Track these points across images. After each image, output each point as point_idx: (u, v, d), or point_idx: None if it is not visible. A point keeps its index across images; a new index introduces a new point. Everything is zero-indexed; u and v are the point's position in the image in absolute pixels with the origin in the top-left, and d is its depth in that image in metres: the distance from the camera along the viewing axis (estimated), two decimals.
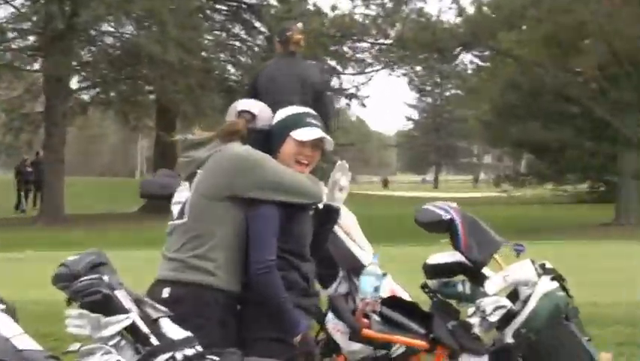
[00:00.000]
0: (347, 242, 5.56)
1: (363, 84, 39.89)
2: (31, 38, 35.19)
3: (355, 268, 5.51)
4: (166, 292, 4.62)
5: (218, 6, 38.04)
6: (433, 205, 5.66)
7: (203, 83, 33.83)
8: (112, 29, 35.68)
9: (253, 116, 4.91)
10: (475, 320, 5.34)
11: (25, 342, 4.11)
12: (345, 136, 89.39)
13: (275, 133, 4.85)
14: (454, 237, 5.52)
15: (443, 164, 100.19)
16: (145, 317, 4.19)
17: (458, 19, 32.86)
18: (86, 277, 4.15)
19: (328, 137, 4.83)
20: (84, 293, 4.11)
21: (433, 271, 5.67)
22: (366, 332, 5.14)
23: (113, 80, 35.44)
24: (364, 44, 36.30)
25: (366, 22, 32.70)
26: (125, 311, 4.12)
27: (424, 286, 5.67)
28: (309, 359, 4.62)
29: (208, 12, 37.75)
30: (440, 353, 5.27)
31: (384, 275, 5.26)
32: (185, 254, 4.64)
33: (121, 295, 4.17)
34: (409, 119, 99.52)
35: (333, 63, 37.26)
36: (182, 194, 4.76)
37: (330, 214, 4.97)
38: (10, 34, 34.14)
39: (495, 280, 5.48)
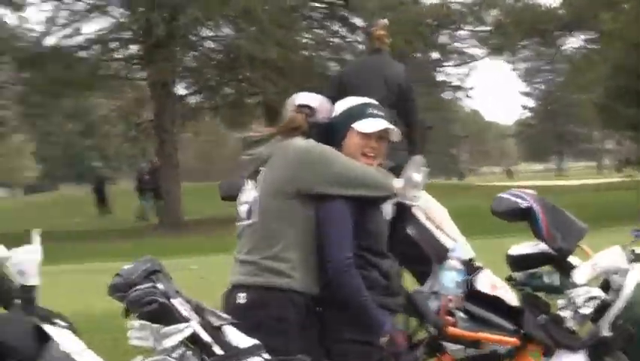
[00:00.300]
0: (440, 237, 5.32)
1: (466, 75, 39.64)
2: (134, 47, 35.70)
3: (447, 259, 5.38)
4: (242, 298, 4.52)
5: (314, 4, 37.85)
6: (510, 193, 5.38)
7: (304, 82, 32.74)
8: (211, 33, 35.83)
9: (312, 109, 4.77)
10: (567, 313, 5.12)
11: (86, 357, 4.09)
12: (463, 128, 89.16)
13: (337, 126, 4.71)
14: (534, 226, 5.23)
15: (564, 151, 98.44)
16: (207, 325, 4.12)
17: (557, 1, 32.24)
18: (140, 286, 4.09)
19: (393, 127, 4.68)
20: (140, 303, 4.06)
21: (516, 262, 5.45)
22: (451, 330, 4.97)
23: (217, 84, 36.04)
24: (462, 32, 35.72)
25: (463, 9, 32.25)
26: (185, 320, 4.06)
27: (509, 279, 5.42)
28: None
29: (305, 11, 37.66)
30: (532, 348, 5.10)
31: (478, 269, 5.14)
32: (258, 256, 4.52)
33: (178, 303, 4.10)
34: (525, 107, 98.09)
35: (435, 55, 36.97)
36: (249, 193, 4.65)
37: (403, 213, 4.90)
38: (112, 45, 34.78)
39: (583, 270, 5.20)
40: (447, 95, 41.53)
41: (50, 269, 16.04)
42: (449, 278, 4.88)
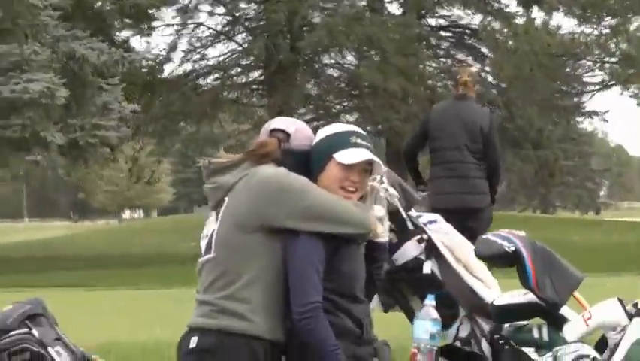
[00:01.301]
0: (466, 277, 4.98)
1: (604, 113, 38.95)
2: (254, 73, 36.37)
3: (478, 306, 5.00)
4: (193, 342, 4.15)
5: (443, 33, 37.87)
6: (494, 235, 4.86)
7: (427, 111, 32.35)
8: (333, 61, 36.41)
9: (287, 135, 4.39)
10: None
11: None
12: (605, 162, 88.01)
13: (316, 155, 4.35)
14: (521, 272, 4.73)
15: None
16: None
17: None
18: (14, 332, 3.90)
19: (377, 159, 4.34)
20: (10, 352, 3.86)
21: (501, 313, 4.89)
22: None
23: (337, 112, 36.10)
24: (587, 63, 35.23)
25: (589, 40, 31.46)
26: None
27: (492, 332, 4.97)
28: None
29: (432, 40, 37.59)
30: None
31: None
32: (214, 295, 4.16)
33: (55, 352, 3.91)
34: None
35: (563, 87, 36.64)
36: (210, 226, 4.31)
37: (376, 252, 4.46)
38: (232, 71, 35.41)
39: (575, 324, 4.73)
40: (586, 125, 41.51)
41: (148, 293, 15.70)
42: (422, 328, 4.40)
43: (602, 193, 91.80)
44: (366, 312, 4.37)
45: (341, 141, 4.31)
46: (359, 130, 4.43)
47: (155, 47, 38.95)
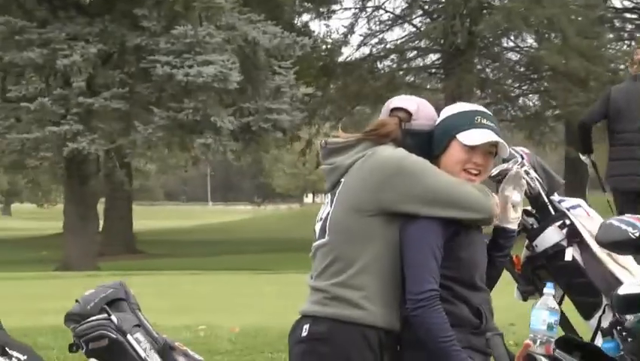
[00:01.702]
0: (609, 264, 4.86)
1: None
2: (432, 57, 36.86)
3: None
4: (305, 330, 4.13)
5: (628, 15, 37.41)
6: (618, 220, 4.74)
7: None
8: (512, 44, 36.30)
9: (409, 114, 4.25)
10: None
11: None
12: None
13: (438, 135, 4.23)
14: None
15: None
16: None
17: None
18: (93, 318, 3.90)
19: (503, 141, 4.21)
20: (88, 338, 3.87)
21: (624, 303, 4.70)
22: None
23: (516, 96, 36.28)
24: None
25: None
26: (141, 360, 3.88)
27: (614, 324, 4.82)
28: None
29: (616, 22, 37.20)
30: None
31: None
32: (327, 281, 4.11)
33: (135, 340, 3.89)
34: None
35: None
36: (325, 209, 4.24)
37: (503, 239, 4.32)
38: (409, 54, 35.94)
39: None
40: None
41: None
42: (539, 318, 4.18)
43: None
44: (486, 300, 4.25)
45: (465, 121, 4.21)
46: (484, 110, 4.34)
47: (334, 30, 39.75)
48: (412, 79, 36.85)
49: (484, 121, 4.22)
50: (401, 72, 36.69)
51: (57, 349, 8.37)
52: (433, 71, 37.06)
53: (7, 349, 4.20)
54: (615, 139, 9.54)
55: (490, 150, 4.21)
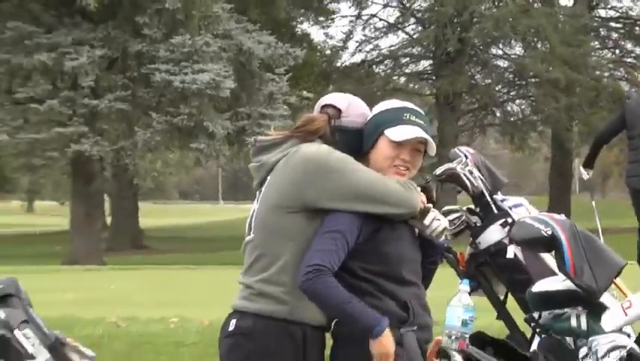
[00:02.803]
0: (548, 259, 4.95)
1: None
2: (424, 63, 37.75)
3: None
4: (232, 325, 4.05)
5: (613, 24, 38.19)
6: (532, 218, 4.73)
7: (592, 101, 33.86)
8: (501, 52, 37.19)
9: (339, 111, 4.12)
10: None
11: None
12: None
13: (367, 131, 4.10)
14: (558, 258, 4.57)
15: None
16: None
17: None
18: None
19: (430, 139, 4.10)
20: None
21: (538, 300, 4.73)
22: None
23: (503, 102, 37.33)
24: None
25: None
26: (29, 357, 3.74)
27: (529, 320, 4.82)
28: None
29: (602, 31, 38.10)
30: None
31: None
32: (253, 278, 4.01)
33: (23, 336, 3.76)
34: None
35: None
36: (253, 205, 4.14)
37: (428, 250, 4.18)
38: (403, 60, 36.81)
39: (614, 313, 4.53)
40: None
41: None
42: (454, 315, 4.10)
43: None
44: (417, 295, 4.09)
45: (393, 117, 4.09)
46: (414, 107, 4.21)
47: (332, 36, 40.78)
48: (406, 83, 37.59)
49: (413, 118, 4.08)
50: (395, 77, 37.45)
51: None
52: (426, 76, 37.84)
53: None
54: (631, 145, 10.01)
55: (419, 148, 4.07)
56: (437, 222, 4.03)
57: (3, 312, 3.73)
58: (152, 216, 55.65)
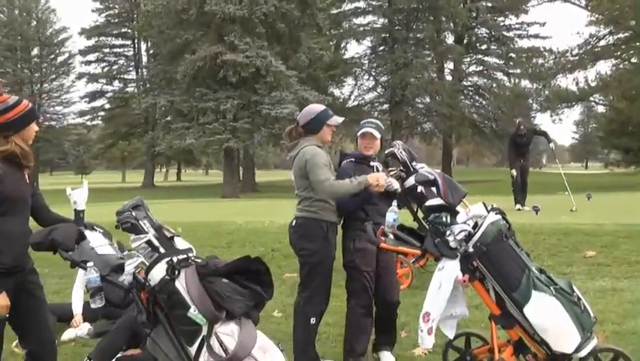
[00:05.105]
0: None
1: None
2: (385, 105, 56.88)
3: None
4: (293, 222, 6.69)
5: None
6: (425, 170, 6.14)
7: (461, 124, 53.50)
8: (420, 100, 56.38)
9: (297, 120, 6.87)
10: (450, 238, 5.86)
11: (104, 249, 5.57)
12: None
13: (315, 123, 6.81)
14: (437, 190, 5.93)
15: None
16: (162, 237, 5.07)
17: None
18: (124, 213, 5.07)
19: (340, 120, 6.93)
20: (121, 222, 5.08)
21: (428, 209, 6.04)
22: (382, 245, 5.99)
23: (420, 123, 56.32)
24: None
25: None
26: (145, 232, 5.02)
27: (424, 219, 6.11)
28: None
29: (470, 91, 58.10)
30: (428, 256, 6.03)
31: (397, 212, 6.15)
32: (300, 204, 6.83)
33: (142, 223, 5.03)
34: None
35: None
36: (291, 174, 6.88)
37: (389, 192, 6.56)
38: (376, 103, 56.26)
39: (462, 215, 5.92)
40: None
41: None
42: (390, 216, 5.99)
43: None
44: (377, 209, 6.66)
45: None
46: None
47: (344, 93, 61.09)
48: (376, 115, 56.11)
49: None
50: (372, 112, 57.17)
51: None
52: (385, 112, 56.69)
53: (93, 226, 5.76)
54: None
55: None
56: (391, 184, 6.27)
57: (135, 212, 4.98)
58: (261, 176, 70.49)
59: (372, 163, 7.18)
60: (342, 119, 7.03)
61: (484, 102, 59.73)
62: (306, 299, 6.96)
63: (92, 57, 77.38)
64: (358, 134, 7.14)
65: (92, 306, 5.18)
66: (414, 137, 61.21)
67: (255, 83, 45.51)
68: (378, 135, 7.10)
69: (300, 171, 6.82)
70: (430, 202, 6.09)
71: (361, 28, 58.32)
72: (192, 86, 46.22)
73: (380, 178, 6.53)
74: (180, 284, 4.86)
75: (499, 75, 60.25)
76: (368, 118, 7.61)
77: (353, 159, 7.19)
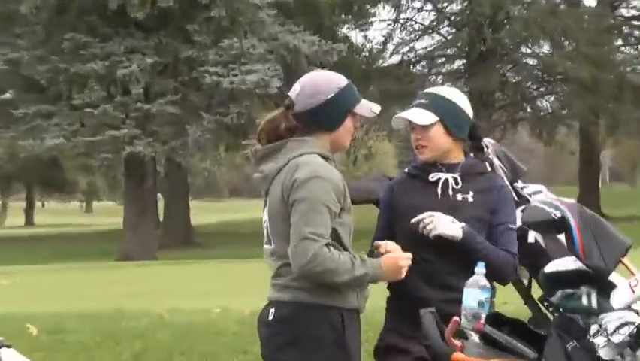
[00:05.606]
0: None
1: None
2: (458, 62, 39.66)
3: None
4: (272, 314, 4.16)
5: (635, 22, 39.78)
6: (542, 202, 4.63)
7: (616, 98, 35.37)
8: (530, 50, 38.48)
9: (290, 100, 4.11)
10: (599, 341, 4.33)
11: None
12: None
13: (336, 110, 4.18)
14: (568, 239, 4.44)
15: None
16: None
17: None
18: None
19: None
20: None
21: (551, 280, 4.66)
22: (455, 356, 4.23)
23: (533, 97, 39.10)
24: None
25: None
26: None
27: (543, 300, 4.74)
28: None
29: (625, 29, 39.53)
30: None
31: (492, 288, 4.50)
32: (286, 277, 4.11)
33: None
34: None
35: None
36: (264, 215, 4.18)
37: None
38: (438, 60, 38.88)
39: (622, 291, 4.37)
40: None
41: None
42: (471, 296, 4.16)
43: None
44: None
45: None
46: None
47: (371, 39, 42.91)
48: (441, 82, 38.34)
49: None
50: (431, 76, 38.85)
51: (82, 333, 9.12)
52: (458, 75, 39.30)
53: None
54: None
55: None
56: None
57: None
58: (203, 213, 56.72)
59: (433, 176, 4.57)
60: (379, 107, 4.27)
61: None
62: None
63: None
64: (395, 124, 4.66)
65: None
66: (518, 127, 44.48)
67: (187, 20, 31.15)
68: (430, 120, 4.34)
69: (283, 205, 4.08)
70: (553, 265, 4.54)
71: None
72: (56, 30, 32.01)
73: (402, 260, 4.21)
74: None
75: None
76: (423, 90, 5.21)
77: (406, 172, 4.78)
